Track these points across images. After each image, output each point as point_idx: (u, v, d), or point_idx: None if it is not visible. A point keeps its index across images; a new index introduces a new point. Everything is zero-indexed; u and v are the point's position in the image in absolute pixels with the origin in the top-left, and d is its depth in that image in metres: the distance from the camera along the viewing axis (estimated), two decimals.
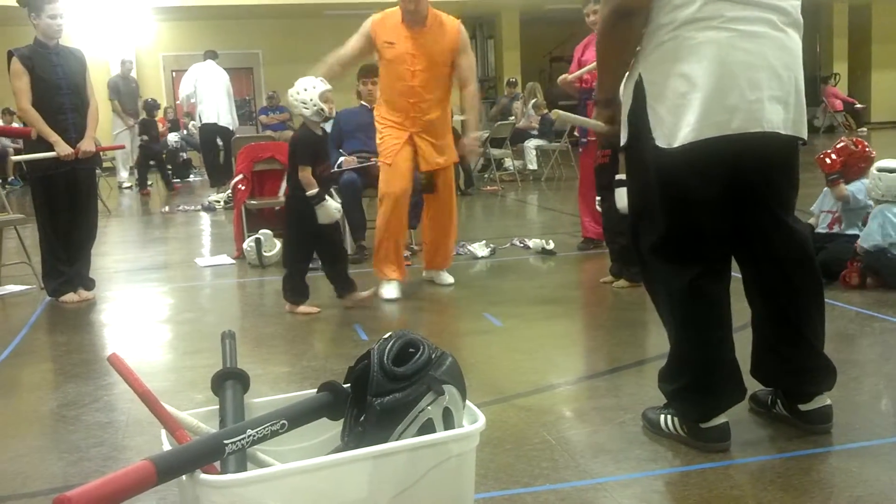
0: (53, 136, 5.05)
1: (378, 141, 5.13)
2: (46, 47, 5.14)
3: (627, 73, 2.69)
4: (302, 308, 4.77)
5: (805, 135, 2.61)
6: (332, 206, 4.63)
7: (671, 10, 2.47)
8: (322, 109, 4.55)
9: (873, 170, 4.77)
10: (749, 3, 2.47)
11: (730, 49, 2.44)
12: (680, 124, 2.47)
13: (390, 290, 5.02)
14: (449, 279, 5.45)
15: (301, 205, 4.59)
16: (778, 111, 2.49)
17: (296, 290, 4.78)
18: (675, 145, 2.48)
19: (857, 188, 4.89)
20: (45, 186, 5.21)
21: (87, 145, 5.19)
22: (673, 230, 2.59)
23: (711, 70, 2.44)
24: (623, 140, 2.71)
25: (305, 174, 4.56)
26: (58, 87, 5.13)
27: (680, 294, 2.61)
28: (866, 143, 5.09)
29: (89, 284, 5.44)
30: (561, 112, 4.86)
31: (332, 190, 4.79)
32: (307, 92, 4.54)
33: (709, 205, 2.57)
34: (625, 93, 2.69)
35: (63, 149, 5.06)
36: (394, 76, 5.00)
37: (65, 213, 5.24)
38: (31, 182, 5.49)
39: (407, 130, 5.04)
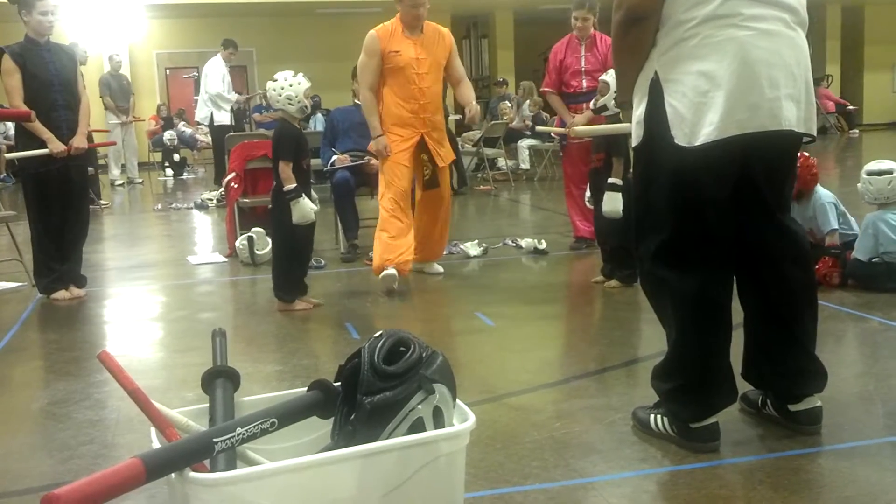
0: (46, 134, 5.03)
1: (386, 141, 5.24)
2: (37, 44, 5.12)
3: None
4: (299, 304, 4.74)
5: (815, 132, 2.64)
6: (308, 205, 4.58)
7: (690, 8, 2.47)
8: (306, 106, 4.61)
9: (863, 174, 4.74)
10: (765, 2, 2.48)
11: (751, 47, 2.45)
12: (702, 122, 2.46)
13: (391, 279, 5.05)
14: (439, 269, 5.63)
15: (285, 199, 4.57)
16: (793, 109, 2.51)
17: (290, 288, 4.74)
18: (697, 144, 2.47)
19: (828, 216, 4.78)
20: (37, 183, 5.19)
21: (79, 142, 5.18)
22: (680, 232, 2.59)
23: (734, 68, 2.44)
24: (636, 140, 2.68)
25: (286, 169, 4.52)
26: (50, 83, 5.11)
27: (685, 299, 2.61)
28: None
29: (81, 282, 5.42)
30: (578, 128, 4.90)
31: (311, 191, 4.75)
32: (293, 88, 4.55)
33: (719, 205, 2.57)
34: (637, 92, 2.67)
35: (56, 146, 5.04)
36: (403, 81, 5.19)
37: (57, 210, 5.22)
38: (22, 179, 5.47)
39: (418, 132, 5.24)
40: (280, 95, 4.55)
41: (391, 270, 5.03)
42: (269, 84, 4.63)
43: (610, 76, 4.94)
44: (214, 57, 11.71)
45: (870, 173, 4.67)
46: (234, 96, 11.67)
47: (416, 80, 5.18)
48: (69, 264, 5.34)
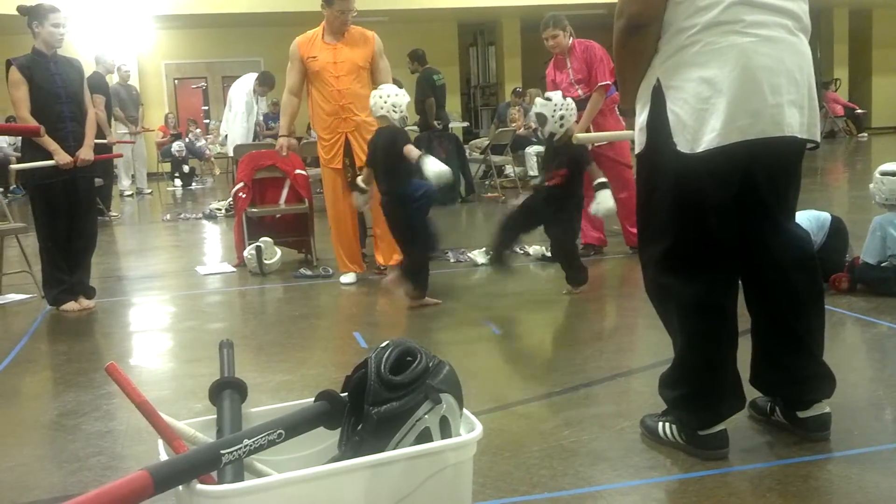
0: (53, 145, 5.05)
1: (319, 148, 5.77)
2: (45, 56, 5.15)
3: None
4: (427, 299, 4.86)
5: (819, 138, 2.64)
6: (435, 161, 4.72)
7: (692, 15, 2.48)
8: (406, 116, 4.91)
9: (876, 174, 4.73)
10: (767, 8, 2.49)
11: (752, 54, 2.45)
12: (704, 129, 2.47)
13: (348, 277, 5.78)
14: None
15: (405, 198, 4.75)
16: (795, 115, 2.51)
17: (425, 282, 4.87)
18: (699, 150, 2.48)
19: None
20: (44, 195, 5.21)
21: (85, 154, 5.20)
22: (683, 239, 2.59)
23: (735, 75, 2.44)
24: (639, 147, 2.68)
25: (411, 147, 4.71)
26: (57, 95, 5.14)
27: (690, 306, 2.61)
28: None
29: (90, 293, 5.45)
30: (580, 135, 4.91)
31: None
32: (398, 97, 4.85)
33: (722, 211, 2.57)
34: (640, 99, 2.67)
35: (62, 157, 5.07)
36: (321, 84, 5.62)
37: (65, 221, 5.24)
38: (30, 191, 5.50)
39: (341, 133, 5.65)
40: (386, 103, 4.83)
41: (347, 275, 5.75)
42: (374, 93, 4.94)
43: (538, 106, 4.98)
44: (246, 77, 10.94)
45: (883, 173, 4.67)
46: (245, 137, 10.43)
47: (333, 83, 5.58)
48: (78, 275, 5.37)
